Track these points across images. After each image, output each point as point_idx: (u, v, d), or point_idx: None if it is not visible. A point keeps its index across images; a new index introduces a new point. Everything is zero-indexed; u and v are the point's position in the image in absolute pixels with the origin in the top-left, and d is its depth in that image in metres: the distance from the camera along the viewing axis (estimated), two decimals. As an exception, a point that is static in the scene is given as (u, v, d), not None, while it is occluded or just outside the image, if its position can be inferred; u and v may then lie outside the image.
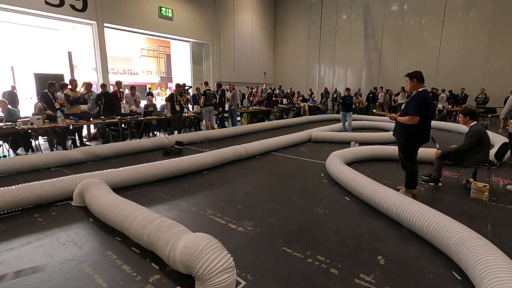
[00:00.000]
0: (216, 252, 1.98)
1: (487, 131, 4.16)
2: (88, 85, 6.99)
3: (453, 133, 8.97)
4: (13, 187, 3.21)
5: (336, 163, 4.38)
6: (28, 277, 2.13)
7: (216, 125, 9.45)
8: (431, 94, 11.75)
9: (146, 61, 28.77)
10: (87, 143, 6.97)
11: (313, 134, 7.35)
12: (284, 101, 12.67)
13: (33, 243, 2.60)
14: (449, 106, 11.79)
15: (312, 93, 15.41)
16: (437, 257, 2.39)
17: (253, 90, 11.98)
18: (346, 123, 8.62)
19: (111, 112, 6.85)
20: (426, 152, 5.19)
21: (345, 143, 6.91)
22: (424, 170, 4.75)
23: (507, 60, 12.26)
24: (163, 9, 13.56)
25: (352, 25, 16.20)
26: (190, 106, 8.96)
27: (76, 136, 6.54)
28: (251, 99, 11.75)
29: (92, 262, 2.31)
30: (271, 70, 20.12)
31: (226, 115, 9.66)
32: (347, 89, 8.71)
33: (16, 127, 5.22)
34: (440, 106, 11.81)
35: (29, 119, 5.52)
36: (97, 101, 7.06)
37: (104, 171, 3.82)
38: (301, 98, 13.75)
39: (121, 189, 3.84)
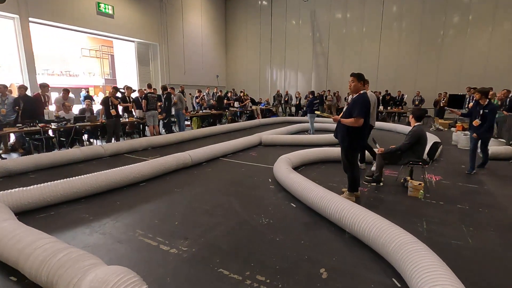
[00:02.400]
0: (130, 290, 1.62)
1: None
2: (2, 87, 5.93)
3: (391, 133, 9.63)
4: None
5: (283, 168, 4.25)
6: None
7: (163, 131, 8.84)
8: (381, 97, 12.64)
9: (88, 62, 26.35)
10: (3, 155, 5.92)
11: (263, 138, 7.23)
12: (236, 104, 12.46)
13: None
14: (389, 108, 12.72)
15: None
16: (378, 263, 2.33)
17: (201, 94, 11.56)
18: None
19: (32, 118, 5.91)
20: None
21: (296, 146, 6.93)
22: (366, 170, 4.88)
23: (435, 64, 13.70)
24: (102, 5, 12.43)
25: (301, 29, 16.71)
26: (132, 111, 8.22)
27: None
28: (200, 102, 11.30)
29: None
30: (223, 72, 19.81)
31: (173, 120, 9.10)
32: (311, 92, 9.19)
33: None
34: (381, 107, 12.69)
35: None
36: (14, 106, 6.03)
37: (9, 191, 3.15)
38: (248, 99, 13.62)
39: (33, 212, 3.22)
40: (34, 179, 4.49)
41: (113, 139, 6.95)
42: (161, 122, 8.60)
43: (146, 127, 8.19)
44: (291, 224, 3.04)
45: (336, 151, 5.41)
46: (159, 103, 7.72)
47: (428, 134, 7.13)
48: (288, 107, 15.62)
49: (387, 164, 4.34)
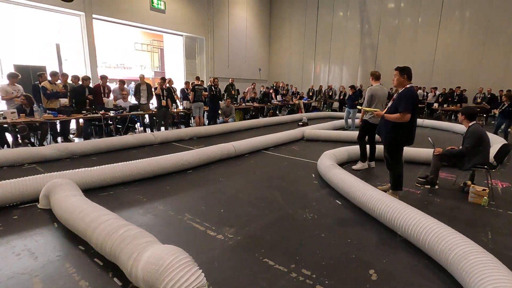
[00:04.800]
0: (184, 269, 1.71)
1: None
2: (73, 78, 6.61)
3: (448, 133, 8.81)
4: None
5: (327, 164, 4.13)
6: (-34, 295, 1.84)
7: (207, 122, 9.14)
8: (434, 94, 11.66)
9: (139, 55, 28.18)
10: (75, 139, 6.63)
11: (306, 132, 7.10)
12: (278, 97, 12.39)
13: (-14, 251, 2.31)
14: (445, 106, 11.64)
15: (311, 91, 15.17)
16: (434, 271, 2.16)
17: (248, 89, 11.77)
18: (349, 120, 8.64)
19: (93, 106, 6.50)
20: (421, 152, 4.99)
21: (339, 142, 6.69)
22: (419, 171, 4.54)
23: (501, 59, 12.14)
24: (155, 1, 13.13)
25: (349, 22, 15.94)
26: (179, 102, 8.60)
27: (58, 131, 6.19)
28: (243, 95, 11.45)
29: (45, 277, 2.02)
30: (266, 66, 19.80)
31: (219, 112, 9.31)
32: (351, 87, 8.73)
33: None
34: (435, 105, 11.68)
35: (2, 112, 5.16)
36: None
37: (76, 170, 3.52)
38: (298, 96, 13.51)
39: (95, 190, 3.55)
40: (96, 161, 4.95)
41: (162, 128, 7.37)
42: (205, 113, 8.87)
43: (192, 117, 8.52)
44: (337, 222, 2.95)
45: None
46: (205, 93, 7.96)
47: (494, 136, 6.41)
48: (331, 102, 15.12)
49: (444, 166, 3.99)
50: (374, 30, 15.22)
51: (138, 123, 7.66)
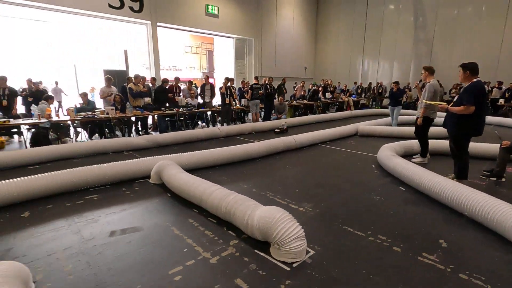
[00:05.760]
0: (290, 222, 2.25)
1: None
2: (152, 80, 7.72)
3: (516, 130, 8.29)
4: (105, 164, 3.80)
5: (389, 155, 4.42)
6: (132, 234, 2.60)
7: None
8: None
9: (188, 58, 30.09)
10: (152, 132, 7.73)
11: (360, 128, 7.32)
12: (327, 95, 12.59)
13: (127, 210, 3.11)
14: (512, 101, 10.81)
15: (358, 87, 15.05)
16: (504, 245, 2.42)
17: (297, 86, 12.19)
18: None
19: (164, 104, 7.53)
20: (487, 147, 4.98)
21: (393, 138, 6.80)
22: (484, 165, 4.58)
23: None
24: (210, 6, 14.14)
25: (401, 15, 15.41)
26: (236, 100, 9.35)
27: (140, 125, 7.28)
28: (294, 93, 11.90)
29: (179, 227, 2.72)
30: (311, 64, 19.97)
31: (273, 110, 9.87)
32: (395, 83, 8.46)
33: (95, 116, 6.02)
34: (501, 101, 10.91)
35: (104, 109, 6.31)
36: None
37: (174, 155, 4.32)
38: (348, 94, 13.53)
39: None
40: (176, 150, 5.80)
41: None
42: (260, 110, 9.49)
43: (248, 114, 9.22)
44: (403, 203, 3.28)
45: (440, 144, 5.18)
46: (260, 92, 8.59)
47: None
48: (381, 100, 14.82)
49: (512, 159, 4.03)
50: (429, 22, 14.52)
51: (201, 120, 8.56)
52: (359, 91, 14.75)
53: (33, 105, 6.40)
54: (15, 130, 6.03)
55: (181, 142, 6.42)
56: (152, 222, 2.83)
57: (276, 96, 10.12)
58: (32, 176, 3.32)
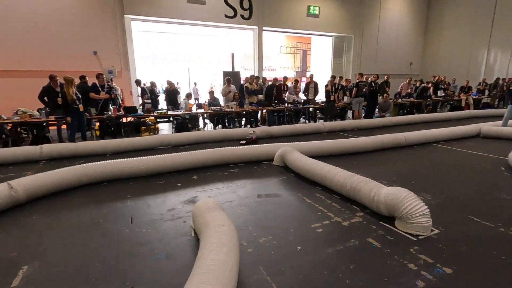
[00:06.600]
0: (417, 200, 2.57)
1: None
2: (264, 79, 8.81)
3: None
4: (240, 147, 4.79)
5: (525, 156, 4.03)
6: (274, 198, 3.37)
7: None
8: None
9: (282, 58, 31.34)
10: (259, 125, 8.84)
11: (484, 128, 6.57)
12: (439, 92, 11.41)
13: (263, 182, 3.93)
14: None
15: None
16: None
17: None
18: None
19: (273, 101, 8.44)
20: None
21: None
22: None
23: None
24: (311, 7, 14.59)
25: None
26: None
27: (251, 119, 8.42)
28: (399, 90, 11.28)
29: (309, 198, 3.35)
30: (418, 59, 18.18)
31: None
32: None
33: (222, 110, 7.38)
34: None
35: (229, 104, 7.64)
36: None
37: (293, 143, 5.04)
38: (470, 92, 11.92)
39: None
40: (286, 140, 6.54)
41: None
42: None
43: (348, 112, 9.35)
44: (542, 205, 3.08)
45: None
46: (364, 90, 8.61)
47: None
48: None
49: None
50: None
51: (303, 116, 9.20)
52: (481, 88, 12.74)
53: (182, 99, 8.24)
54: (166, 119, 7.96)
55: (288, 134, 7.16)
56: (286, 192, 3.54)
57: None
58: (194, 151, 4.53)
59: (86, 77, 7.37)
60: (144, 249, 2.33)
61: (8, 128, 6.26)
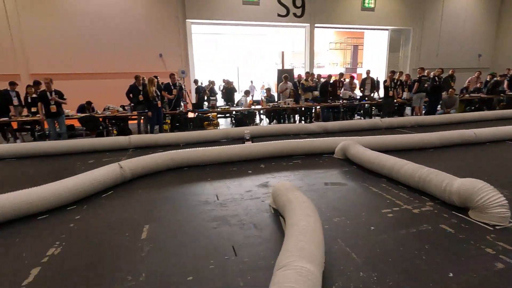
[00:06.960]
0: (493, 192, 2.60)
1: None
2: (318, 76, 8.97)
3: None
4: (303, 140, 5.08)
5: None
6: (340, 186, 3.60)
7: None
8: None
9: (330, 54, 30.56)
10: (313, 121, 9.03)
11: None
12: (514, 87, 10.29)
13: (327, 172, 4.17)
14: None
15: None
16: None
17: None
18: None
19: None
20: None
21: None
22: None
23: None
24: (366, 0, 14.14)
25: None
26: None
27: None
28: (467, 85, 10.45)
29: (375, 187, 3.50)
30: (489, 50, 16.44)
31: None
32: None
33: (279, 106, 7.75)
34: None
35: (284, 101, 7.97)
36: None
37: (354, 137, 5.16)
38: None
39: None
40: (341, 135, 6.62)
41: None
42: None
43: (406, 108, 9.00)
44: None
45: None
46: (425, 85, 8.23)
47: None
48: None
49: None
50: None
51: (358, 112, 9.12)
52: None
53: (241, 96, 8.83)
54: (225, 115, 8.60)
55: (345, 130, 7.22)
56: (351, 182, 3.74)
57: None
58: (262, 143, 4.94)
59: (158, 77, 8.34)
60: (234, 220, 2.77)
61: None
